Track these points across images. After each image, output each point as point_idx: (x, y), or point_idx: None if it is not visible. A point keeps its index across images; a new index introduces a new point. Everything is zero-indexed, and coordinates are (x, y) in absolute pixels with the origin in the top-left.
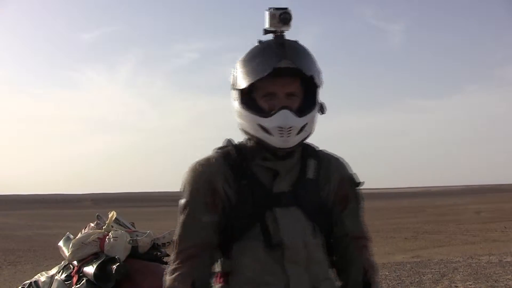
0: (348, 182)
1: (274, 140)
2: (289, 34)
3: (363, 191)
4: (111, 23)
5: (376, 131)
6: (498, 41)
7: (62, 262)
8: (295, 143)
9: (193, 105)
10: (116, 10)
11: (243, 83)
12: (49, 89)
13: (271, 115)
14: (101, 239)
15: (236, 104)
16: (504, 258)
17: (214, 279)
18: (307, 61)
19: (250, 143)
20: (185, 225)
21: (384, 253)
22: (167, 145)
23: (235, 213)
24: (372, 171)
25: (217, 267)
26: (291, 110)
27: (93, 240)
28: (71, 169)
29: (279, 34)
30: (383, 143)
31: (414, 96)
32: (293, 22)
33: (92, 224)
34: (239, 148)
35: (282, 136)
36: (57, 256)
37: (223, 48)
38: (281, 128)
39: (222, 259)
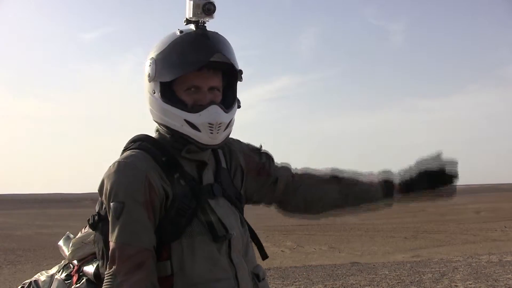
0: (251, 152)
1: (202, 137)
2: (209, 25)
3: None
4: (111, 23)
5: (377, 131)
6: (498, 41)
7: (62, 262)
8: (223, 139)
9: None
10: (116, 10)
11: (168, 76)
12: (50, 89)
13: (199, 111)
14: None
15: (155, 98)
16: (504, 258)
17: None
18: (234, 55)
19: (170, 137)
20: (127, 229)
21: (384, 253)
22: None
23: (175, 209)
24: (372, 171)
25: None
26: (219, 105)
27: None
28: (71, 169)
29: (201, 25)
30: (384, 143)
31: (415, 96)
32: (216, 14)
33: None
34: (159, 142)
35: (212, 133)
36: (57, 255)
37: None
38: (211, 124)
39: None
